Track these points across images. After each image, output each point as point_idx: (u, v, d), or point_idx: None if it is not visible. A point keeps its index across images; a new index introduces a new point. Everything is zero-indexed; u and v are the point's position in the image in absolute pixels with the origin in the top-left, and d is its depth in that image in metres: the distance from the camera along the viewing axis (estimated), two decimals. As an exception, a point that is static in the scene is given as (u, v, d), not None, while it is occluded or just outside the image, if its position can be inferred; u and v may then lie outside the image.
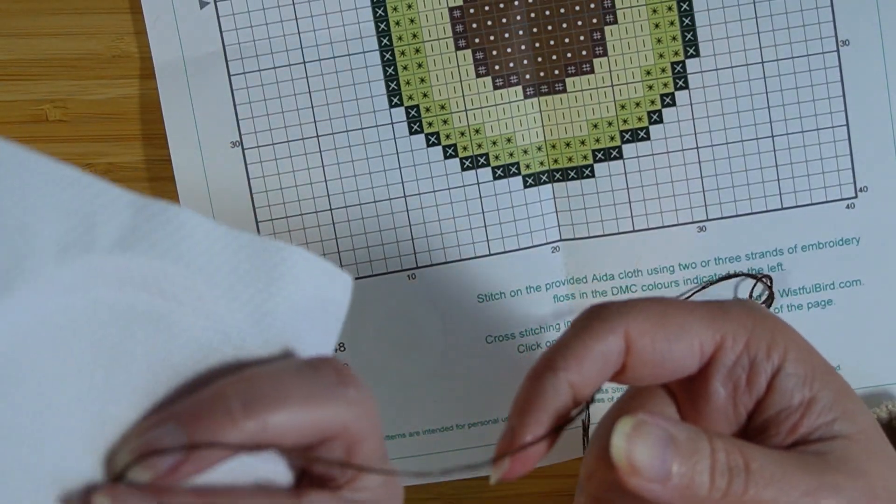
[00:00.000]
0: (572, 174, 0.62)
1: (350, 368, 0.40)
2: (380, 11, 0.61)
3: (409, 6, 0.61)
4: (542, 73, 0.61)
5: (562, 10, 0.61)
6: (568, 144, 0.62)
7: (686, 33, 0.61)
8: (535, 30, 0.61)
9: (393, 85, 0.61)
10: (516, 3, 0.61)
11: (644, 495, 0.42)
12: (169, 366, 0.38)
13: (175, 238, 0.38)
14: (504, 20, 0.61)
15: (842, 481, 0.42)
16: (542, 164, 0.62)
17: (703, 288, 0.62)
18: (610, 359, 0.45)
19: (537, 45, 0.61)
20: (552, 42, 0.61)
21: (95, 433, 0.37)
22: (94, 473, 0.37)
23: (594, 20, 0.61)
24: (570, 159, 0.62)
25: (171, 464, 0.36)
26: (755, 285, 0.62)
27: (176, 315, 0.38)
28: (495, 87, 0.61)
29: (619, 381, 0.46)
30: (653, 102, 0.61)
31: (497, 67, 0.61)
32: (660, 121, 0.61)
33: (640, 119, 0.61)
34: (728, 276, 0.62)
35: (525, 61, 0.61)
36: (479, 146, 0.61)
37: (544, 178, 0.62)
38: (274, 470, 0.40)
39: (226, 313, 0.39)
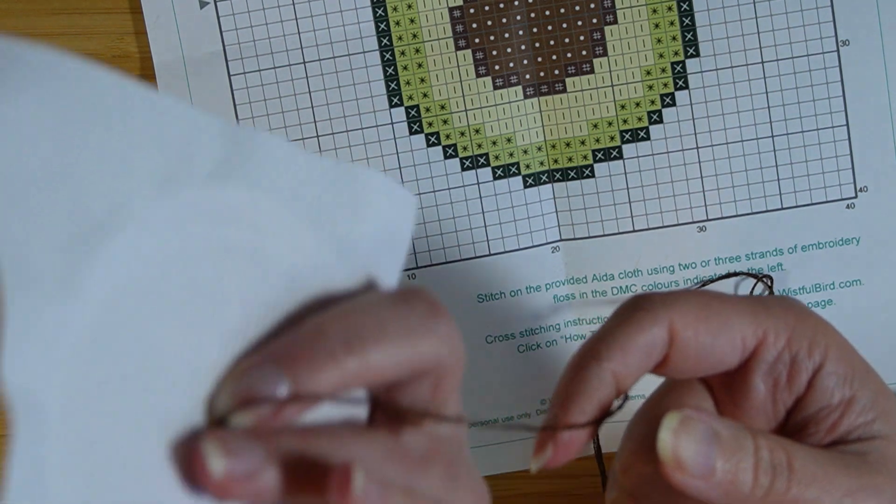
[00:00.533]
0: (572, 174, 0.62)
1: (437, 296, 0.39)
2: (380, 11, 0.61)
3: (409, 6, 0.61)
4: (542, 73, 0.61)
5: (562, 10, 0.61)
6: (568, 144, 0.62)
7: (686, 33, 0.61)
8: (535, 30, 0.61)
9: (393, 85, 0.61)
10: (516, 3, 0.60)
11: (687, 492, 0.42)
12: (262, 303, 0.37)
13: (265, 167, 0.37)
14: (504, 20, 0.61)
15: (882, 482, 0.43)
16: (542, 164, 0.62)
17: (703, 285, 0.62)
18: (654, 350, 0.45)
19: (537, 45, 0.61)
20: (552, 42, 0.61)
21: (192, 378, 0.36)
22: (195, 419, 0.36)
23: (594, 20, 0.61)
24: (570, 159, 0.62)
25: (274, 407, 0.35)
26: (755, 285, 0.62)
27: (268, 249, 0.37)
28: (495, 87, 0.61)
29: (659, 373, 0.46)
30: (653, 102, 0.61)
31: (497, 67, 0.61)
32: (660, 121, 0.61)
33: (640, 119, 0.61)
34: (729, 275, 0.62)
35: (525, 61, 0.61)
36: (479, 146, 0.61)
37: (544, 178, 0.62)
38: (356, 403, 0.39)
39: (314, 245, 0.38)
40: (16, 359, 0.31)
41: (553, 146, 0.62)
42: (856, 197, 0.62)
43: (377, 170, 0.40)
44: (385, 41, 0.61)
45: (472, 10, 0.61)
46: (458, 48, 0.61)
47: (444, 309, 0.38)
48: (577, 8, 0.61)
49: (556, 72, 0.61)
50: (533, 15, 0.61)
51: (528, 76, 0.61)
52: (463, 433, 0.41)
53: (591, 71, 0.61)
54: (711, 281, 0.62)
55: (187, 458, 0.35)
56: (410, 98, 0.61)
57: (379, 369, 0.36)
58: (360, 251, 0.39)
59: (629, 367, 0.45)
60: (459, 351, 0.38)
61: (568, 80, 0.61)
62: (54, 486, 0.32)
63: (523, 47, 0.61)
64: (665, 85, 0.61)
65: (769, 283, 0.62)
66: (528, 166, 0.62)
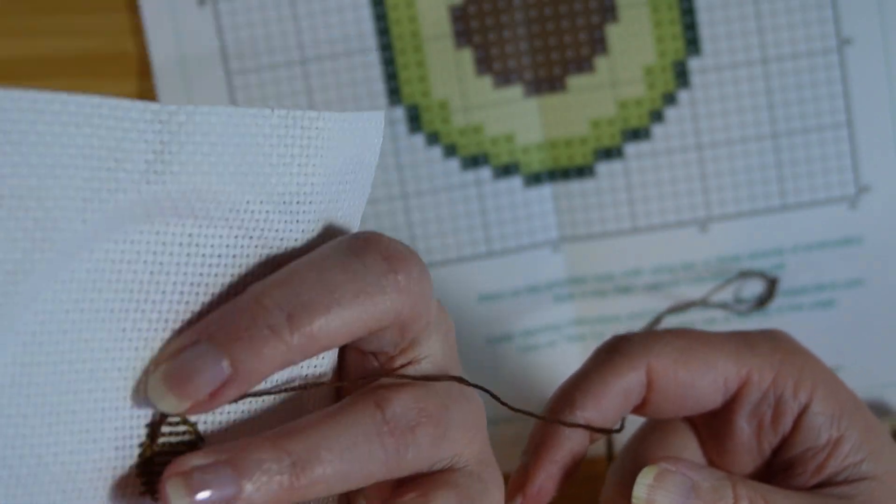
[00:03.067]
0: (573, 174, 0.62)
1: (396, 241, 0.36)
2: (379, 10, 0.60)
3: (409, 5, 0.60)
4: (542, 72, 0.61)
5: (562, 9, 0.60)
6: (568, 144, 0.61)
7: (687, 31, 0.61)
8: (535, 28, 0.60)
9: (392, 84, 0.61)
10: (516, 1, 0.60)
11: None
12: (202, 289, 0.36)
13: (205, 148, 0.35)
14: (504, 18, 0.60)
15: None
16: (542, 163, 0.61)
17: (716, 290, 0.62)
18: (630, 395, 0.45)
19: (538, 43, 0.61)
20: (552, 40, 0.61)
21: (133, 384, 0.35)
22: (142, 422, 0.35)
23: (595, 18, 0.61)
24: (570, 159, 0.62)
25: (212, 389, 0.33)
26: (768, 287, 0.62)
27: (207, 231, 0.35)
28: (495, 86, 0.61)
29: (640, 414, 0.46)
30: (654, 101, 0.61)
31: (497, 66, 0.61)
32: (661, 120, 0.61)
33: (641, 118, 0.61)
34: (739, 276, 0.62)
35: (525, 60, 0.61)
36: (479, 145, 0.61)
37: (545, 177, 0.62)
38: (318, 361, 0.38)
39: (260, 216, 0.36)
40: None
41: (553, 145, 0.61)
42: (858, 196, 0.61)
43: (340, 112, 0.38)
44: (385, 40, 0.61)
45: (471, 9, 0.60)
46: (457, 47, 0.61)
47: (402, 256, 0.36)
48: (578, 6, 0.60)
49: (557, 70, 0.61)
50: (533, 13, 0.60)
51: (528, 75, 0.61)
52: (450, 362, 0.39)
53: (592, 70, 0.61)
54: (725, 283, 0.62)
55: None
56: (410, 97, 0.61)
57: (328, 339, 0.34)
58: (314, 205, 0.37)
59: (604, 412, 0.44)
60: (422, 299, 0.36)
61: (568, 79, 0.61)
62: None
63: (523, 46, 0.61)
64: (666, 84, 0.61)
65: (772, 285, 0.62)
66: (528, 166, 0.61)
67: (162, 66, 0.61)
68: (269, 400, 0.37)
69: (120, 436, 0.35)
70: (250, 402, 0.37)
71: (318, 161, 0.37)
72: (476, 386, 0.39)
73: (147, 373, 0.34)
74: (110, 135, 0.33)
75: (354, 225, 0.40)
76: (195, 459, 0.34)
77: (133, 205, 0.34)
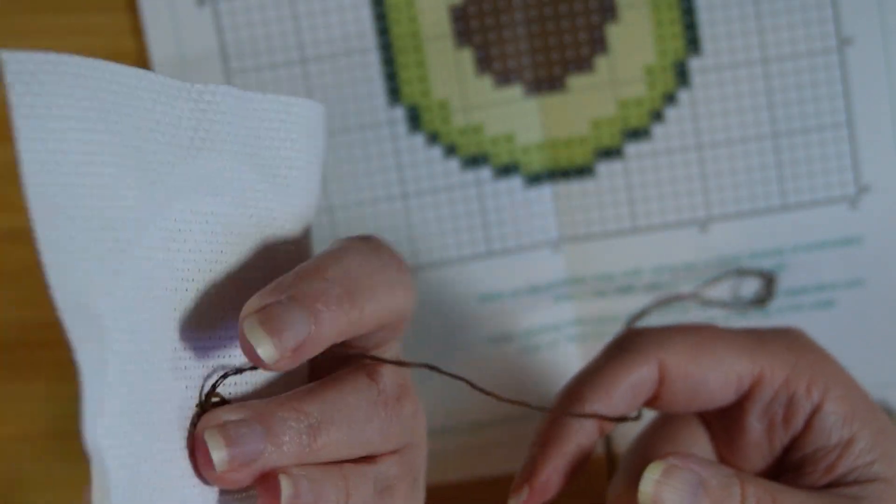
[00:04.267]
0: (573, 174, 0.62)
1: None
2: (379, 10, 0.60)
3: (409, 5, 0.60)
4: (542, 72, 0.61)
5: (562, 8, 0.60)
6: (568, 144, 0.61)
7: (688, 31, 0.61)
8: (535, 28, 0.60)
9: (392, 84, 0.61)
10: (516, 1, 0.60)
11: None
12: (220, 267, 0.38)
13: (226, 127, 0.37)
14: (504, 18, 0.60)
15: None
16: (542, 163, 0.61)
17: (708, 284, 0.62)
18: (641, 390, 0.45)
19: (538, 43, 0.61)
20: (552, 40, 0.61)
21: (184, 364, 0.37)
22: (193, 402, 0.37)
23: (595, 18, 0.61)
24: (570, 159, 0.61)
25: (298, 343, 0.35)
26: (766, 284, 0.62)
27: (224, 209, 0.38)
28: (495, 86, 0.61)
29: (651, 407, 0.46)
30: (654, 101, 0.61)
31: (497, 66, 0.61)
32: (661, 120, 0.61)
33: (641, 118, 0.61)
34: (735, 273, 0.62)
35: (525, 60, 0.61)
36: (479, 145, 0.61)
37: (545, 177, 0.61)
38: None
39: (259, 195, 0.38)
40: (94, 427, 0.32)
41: (553, 145, 0.61)
42: (859, 195, 0.61)
43: (285, 96, 0.40)
44: (384, 40, 0.61)
45: (471, 9, 0.60)
46: (457, 47, 0.61)
47: (402, 259, 0.39)
48: (578, 6, 0.60)
49: (557, 70, 0.61)
50: (533, 13, 0.60)
51: (528, 75, 0.61)
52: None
53: (592, 69, 0.61)
54: (716, 280, 0.62)
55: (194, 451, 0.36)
56: (410, 97, 0.61)
57: (368, 321, 0.37)
58: (293, 187, 0.40)
59: (613, 407, 0.44)
60: (415, 300, 0.40)
61: (568, 79, 0.61)
62: None
63: (523, 46, 0.60)
64: (667, 83, 0.61)
65: (770, 283, 0.62)
66: (528, 166, 0.61)
67: (162, 66, 0.61)
68: (268, 385, 0.39)
69: (183, 416, 0.36)
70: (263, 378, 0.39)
71: (291, 143, 0.39)
72: (452, 375, 0.42)
73: (241, 320, 0.36)
74: (156, 108, 0.35)
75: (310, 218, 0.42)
76: (226, 414, 0.35)
77: (182, 179, 0.36)
